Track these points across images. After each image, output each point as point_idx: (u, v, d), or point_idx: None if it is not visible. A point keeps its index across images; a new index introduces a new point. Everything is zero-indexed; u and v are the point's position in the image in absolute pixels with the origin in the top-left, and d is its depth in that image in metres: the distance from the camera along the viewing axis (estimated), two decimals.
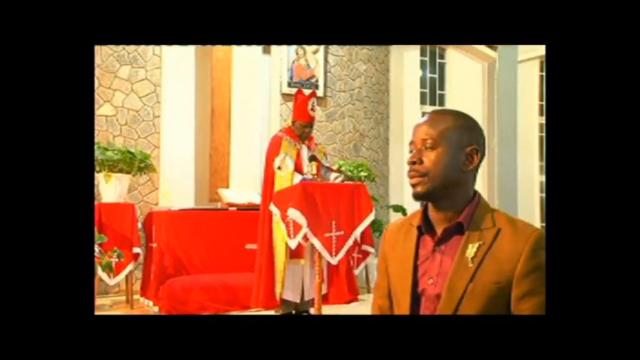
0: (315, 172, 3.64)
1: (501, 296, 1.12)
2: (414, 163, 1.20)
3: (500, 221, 1.18)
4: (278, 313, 3.75)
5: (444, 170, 1.17)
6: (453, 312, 1.14)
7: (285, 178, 3.65)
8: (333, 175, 3.80)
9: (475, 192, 1.23)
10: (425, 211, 1.25)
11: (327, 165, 3.85)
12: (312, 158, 3.69)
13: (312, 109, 3.74)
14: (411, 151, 1.23)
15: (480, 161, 1.23)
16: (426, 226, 1.24)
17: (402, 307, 1.22)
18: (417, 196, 1.20)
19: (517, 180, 6.72)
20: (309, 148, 3.82)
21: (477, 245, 1.15)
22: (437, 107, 6.98)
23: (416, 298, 1.21)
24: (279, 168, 3.69)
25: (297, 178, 3.64)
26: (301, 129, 3.76)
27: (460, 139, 1.20)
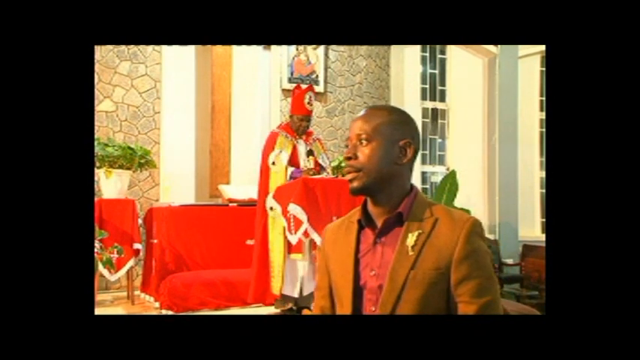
0: (312, 165, 3.66)
1: (441, 282, 1.15)
2: (349, 158, 1.23)
3: (437, 212, 1.21)
4: (278, 309, 3.76)
5: (379, 164, 1.21)
6: (395, 300, 1.16)
7: (279, 174, 3.68)
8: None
9: (412, 185, 1.27)
10: (364, 206, 1.28)
11: (320, 162, 3.86)
12: (310, 153, 3.72)
13: (309, 103, 3.77)
14: (347, 146, 1.26)
15: (415, 155, 1.26)
16: (366, 220, 1.27)
17: (345, 302, 1.24)
18: (353, 191, 1.24)
19: (518, 176, 6.72)
20: (306, 142, 3.84)
21: (416, 234, 1.18)
22: (437, 103, 6.97)
23: (358, 291, 1.23)
24: (273, 163, 3.71)
25: (290, 171, 3.69)
26: (298, 123, 3.79)
27: (393, 133, 1.23)
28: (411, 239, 1.18)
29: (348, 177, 1.23)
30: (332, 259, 1.31)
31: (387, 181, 1.22)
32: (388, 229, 1.23)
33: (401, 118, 1.27)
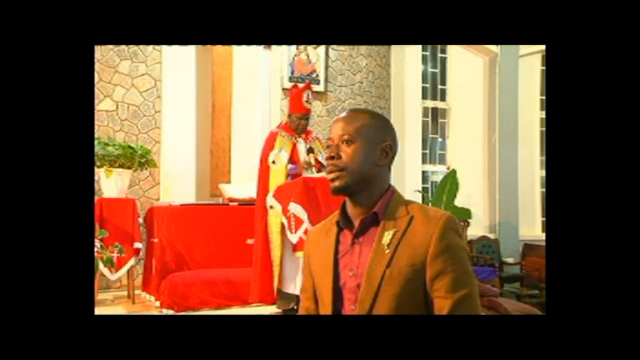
0: (313, 163, 3.67)
1: (417, 278, 1.17)
2: (332, 157, 1.25)
3: (413, 210, 1.24)
4: (280, 309, 3.76)
5: (361, 164, 1.24)
6: (373, 298, 1.18)
7: (279, 172, 3.69)
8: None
9: (390, 186, 1.29)
10: (343, 208, 1.31)
11: (320, 160, 3.86)
12: (310, 150, 3.73)
13: (307, 101, 3.78)
14: (328, 146, 1.28)
15: (393, 157, 1.29)
16: (344, 222, 1.29)
17: (325, 303, 1.27)
18: (335, 191, 1.26)
19: (518, 175, 6.72)
20: (305, 141, 3.85)
21: (392, 232, 1.21)
22: (438, 102, 6.97)
23: (338, 291, 1.26)
24: (273, 162, 3.72)
25: (288, 168, 3.71)
26: (297, 121, 3.80)
27: (375, 136, 1.26)
28: (386, 238, 1.20)
29: (330, 176, 1.26)
30: (314, 261, 1.35)
31: (367, 181, 1.25)
32: (365, 229, 1.25)
33: (382, 121, 1.30)
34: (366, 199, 1.26)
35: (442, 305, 1.13)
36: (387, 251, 1.19)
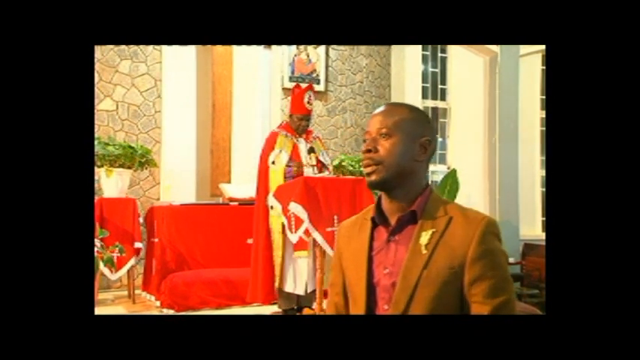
0: (314, 162, 3.67)
1: (454, 281, 1.14)
2: (369, 151, 1.23)
3: (451, 210, 1.21)
4: (281, 308, 3.76)
5: (399, 159, 1.21)
6: (408, 299, 1.15)
7: (279, 172, 3.69)
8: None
9: (427, 183, 1.27)
10: (379, 204, 1.27)
11: (321, 159, 3.86)
12: (311, 150, 3.73)
13: (309, 102, 3.78)
14: (365, 141, 1.26)
15: (432, 154, 1.26)
16: (379, 218, 1.26)
17: (358, 300, 1.24)
18: (371, 185, 1.23)
19: (518, 174, 6.71)
20: (306, 141, 3.85)
21: (430, 233, 1.18)
22: (438, 102, 6.97)
23: (371, 289, 1.23)
24: (273, 163, 3.72)
25: (286, 169, 3.70)
26: (298, 122, 3.80)
27: (414, 130, 1.23)
28: (424, 238, 1.17)
29: (367, 170, 1.23)
30: (345, 256, 1.31)
31: (405, 176, 1.22)
32: (402, 227, 1.22)
33: (421, 116, 1.27)
34: (403, 196, 1.22)
35: (480, 311, 1.11)
36: (424, 252, 1.16)
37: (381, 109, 1.27)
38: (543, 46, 6.45)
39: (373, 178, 1.22)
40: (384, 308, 1.20)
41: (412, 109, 1.27)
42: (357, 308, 1.24)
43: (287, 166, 3.73)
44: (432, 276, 1.14)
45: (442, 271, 1.14)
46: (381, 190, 1.25)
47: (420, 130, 1.24)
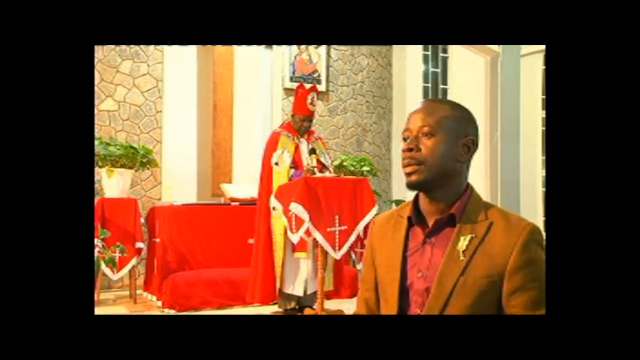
0: (315, 164, 3.67)
1: (492, 291, 1.10)
2: (410, 150, 1.16)
3: (492, 215, 1.15)
4: (281, 308, 3.76)
5: (441, 159, 1.15)
6: (442, 306, 1.11)
7: (282, 174, 3.69)
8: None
9: (468, 184, 1.21)
10: (416, 202, 1.22)
11: (322, 160, 3.86)
12: (312, 151, 3.73)
13: (312, 104, 3.78)
14: (405, 139, 1.19)
15: (474, 153, 1.21)
16: (416, 218, 1.21)
17: (390, 301, 1.19)
18: (411, 185, 1.17)
19: (520, 174, 6.71)
20: (308, 142, 3.85)
21: (468, 238, 1.12)
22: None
23: (404, 291, 1.18)
24: (276, 164, 3.72)
25: (291, 173, 3.70)
26: (300, 123, 3.80)
27: (457, 129, 1.18)
28: (462, 243, 1.12)
29: (408, 170, 1.16)
30: (379, 253, 1.26)
31: (446, 177, 1.16)
32: (439, 229, 1.17)
33: (464, 114, 1.22)
34: (442, 197, 1.16)
35: None
36: (461, 258, 1.11)
37: (422, 105, 1.21)
38: (544, 46, 6.47)
39: (414, 178, 1.15)
40: (416, 312, 1.16)
41: (455, 106, 1.22)
42: (389, 309, 1.20)
43: (290, 167, 3.72)
44: (468, 284, 1.09)
45: (480, 280, 1.09)
46: (421, 190, 1.19)
47: (463, 129, 1.18)
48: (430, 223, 1.19)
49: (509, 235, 1.10)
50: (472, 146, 1.19)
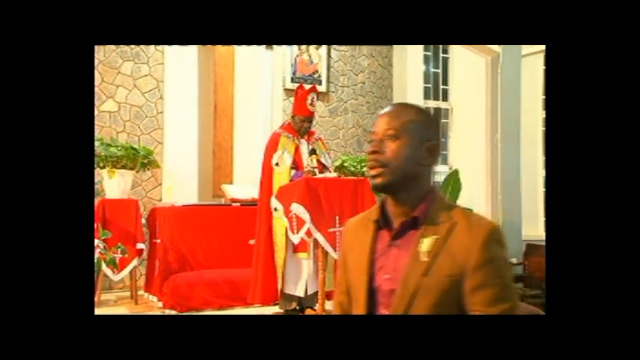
0: (315, 165, 3.67)
1: (455, 290, 1.12)
2: (375, 152, 1.20)
3: (455, 215, 1.17)
4: (282, 309, 3.76)
5: (405, 162, 1.18)
6: (406, 307, 1.13)
7: (283, 174, 3.69)
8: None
9: (433, 187, 1.24)
10: (382, 206, 1.25)
11: (323, 161, 3.86)
12: (313, 152, 3.73)
13: (312, 104, 3.78)
14: (370, 141, 1.23)
15: (437, 157, 1.24)
16: (383, 221, 1.24)
17: (359, 303, 1.22)
18: (376, 187, 1.20)
19: (521, 174, 6.69)
20: (308, 142, 3.85)
21: (431, 239, 1.15)
22: (440, 102, 6.96)
23: (372, 293, 1.20)
24: (276, 164, 3.72)
25: (292, 173, 3.70)
26: (300, 123, 3.80)
27: (421, 133, 1.20)
28: (425, 244, 1.15)
29: (372, 172, 1.20)
30: (349, 256, 1.29)
31: (409, 180, 1.19)
32: (404, 232, 1.20)
33: (429, 119, 1.24)
34: (407, 199, 1.20)
35: None
36: (424, 259, 1.13)
37: (389, 109, 1.24)
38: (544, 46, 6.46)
39: (378, 180, 1.19)
40: (383, 313, 1.19)
41: (420, 111, 1.24)
42: (358, 310, 1.23)
43: (291, 168, 3.72)
44: (431, 284, 1.12)
45: (442, 280, 1.12)
46: (385, 192, 1.22)
47: (427, 133, 1.21)
48: (396, 225, 1.22)
49: (470, 234, 1.13)
50: (435, 150, 1.22)
